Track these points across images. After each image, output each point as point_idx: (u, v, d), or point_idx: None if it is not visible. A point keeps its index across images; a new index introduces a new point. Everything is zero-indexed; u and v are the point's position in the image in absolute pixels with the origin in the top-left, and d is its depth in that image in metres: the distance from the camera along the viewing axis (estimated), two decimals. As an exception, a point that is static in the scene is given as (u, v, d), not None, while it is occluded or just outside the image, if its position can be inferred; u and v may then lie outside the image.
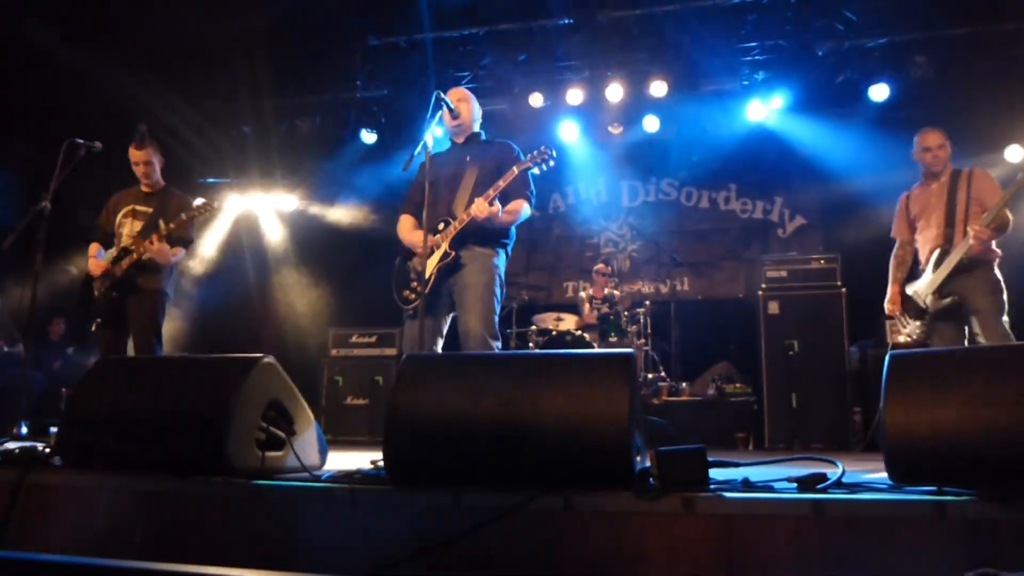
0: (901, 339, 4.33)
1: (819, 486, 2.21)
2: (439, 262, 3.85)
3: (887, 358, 2.56)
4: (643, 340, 6.91)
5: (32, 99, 6.73)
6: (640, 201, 8.77)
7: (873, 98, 7.02)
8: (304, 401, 3.13)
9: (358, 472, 2.69)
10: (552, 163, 3.85)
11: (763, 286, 6.15)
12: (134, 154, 4.44)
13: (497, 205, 3.81)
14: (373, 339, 7.22)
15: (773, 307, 6.03)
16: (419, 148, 3.75)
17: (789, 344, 5.90)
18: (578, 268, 8.69)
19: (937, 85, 6.73)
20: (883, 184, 7.19)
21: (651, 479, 2.28)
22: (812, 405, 5.79)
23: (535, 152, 3.83)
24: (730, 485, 2.28)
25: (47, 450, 3.02)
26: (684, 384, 6.63)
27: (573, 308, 7.68)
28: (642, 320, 6.94)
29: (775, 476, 2.37)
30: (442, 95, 3.87)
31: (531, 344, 6.94)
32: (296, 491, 2.53)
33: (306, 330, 8.17)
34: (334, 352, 7.28)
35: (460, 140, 4.15)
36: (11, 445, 3.18)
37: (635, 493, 2.19)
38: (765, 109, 7.42)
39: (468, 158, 4.03)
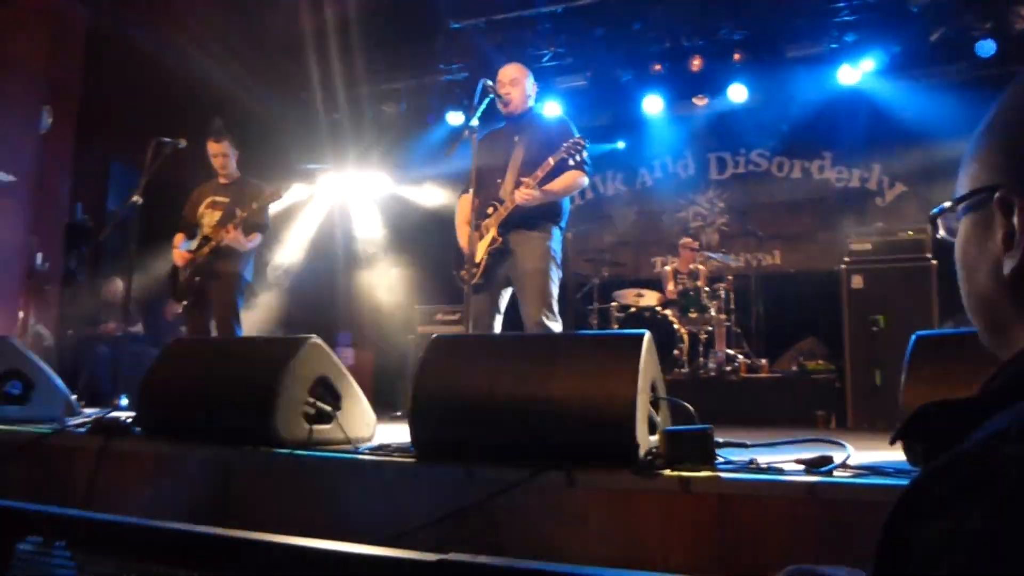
0: None
1: (823, 468, 2.19)
2: (489, 247, 3.97)
3: (912, 338, 2.48)
4: (725, 315, 6.77)
5: (142, 96, 7.24)
6: (729, 173, 8.54)
7: (979, 54, 6.58)
8: (352, 378, 3.32)
9: (391, 445, 2.86)
10: (585, 153, 3.87)
11: (846, 259, 5.91)
12: (212, 147, 4.76)
13: (538, 190, 3.87)
14: (457, 316, 7.40)
15: (857, 281, 5.77)
16: (466, 135, 3.86)
17: (874, 320, 5.64)
18: (666, 244, 8.54)
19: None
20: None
21: (658, 458, 2.33)
22: (898, 384, 5.51)
23: (567, 143, 3.86)
24: (734, 466, 2.29)
25: (129, 420, 3.35)
26: (764, 360, 6.47)
27: (658, 284, 7.60)
28: (723, 295, 6.80)
29: (789, 458, 2.35)
30: (488, 83, 3.96)
31: (612, 321, 6.95)
32: (331, 461, 2.73)
33: (396, 308, 8.47)
34: (420, 329, 7.52)
35: (514, 117, 4.19)
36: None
37: (634, 471, 2.24)
38: (857, 73, 7.07)
39: (516, 138, 4.10)
